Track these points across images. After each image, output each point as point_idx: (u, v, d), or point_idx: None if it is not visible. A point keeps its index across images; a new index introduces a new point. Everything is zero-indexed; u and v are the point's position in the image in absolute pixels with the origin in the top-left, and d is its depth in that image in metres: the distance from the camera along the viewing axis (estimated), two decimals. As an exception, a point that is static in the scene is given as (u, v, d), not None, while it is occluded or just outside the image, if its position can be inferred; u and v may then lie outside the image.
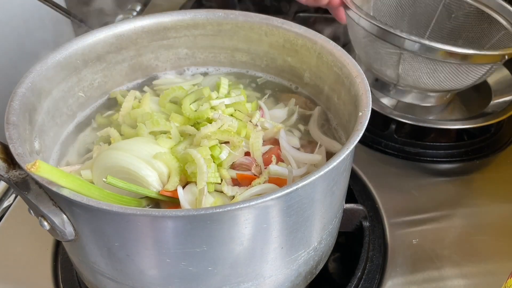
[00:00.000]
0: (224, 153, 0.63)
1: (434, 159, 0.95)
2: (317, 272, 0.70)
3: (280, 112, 0.76)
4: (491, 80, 1.09)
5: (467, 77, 0.91)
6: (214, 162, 0.63)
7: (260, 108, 0.75)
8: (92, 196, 0.51)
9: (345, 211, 0.78)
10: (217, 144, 0.64)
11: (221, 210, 0.48)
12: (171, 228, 0.51)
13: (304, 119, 0.76)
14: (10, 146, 0.54)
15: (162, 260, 0.54)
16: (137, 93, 0.77)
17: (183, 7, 1.43)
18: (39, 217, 0.55)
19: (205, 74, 0.84)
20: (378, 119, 0.98)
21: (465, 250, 0.78)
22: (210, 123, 0.67)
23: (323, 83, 0.76)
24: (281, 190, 0.50)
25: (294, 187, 0.50)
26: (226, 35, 0.80)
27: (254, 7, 1.45)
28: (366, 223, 0.80)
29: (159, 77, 0.83)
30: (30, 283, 0.75)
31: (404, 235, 0.81)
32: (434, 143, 0.97)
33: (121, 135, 0.70)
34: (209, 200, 0.60)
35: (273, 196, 0.49)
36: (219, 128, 0.66)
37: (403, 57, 0.89)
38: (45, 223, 0.55)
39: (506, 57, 0.86)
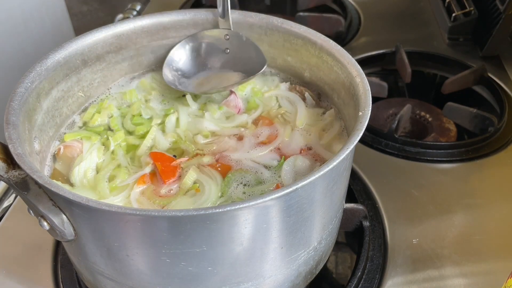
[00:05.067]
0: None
1: (434, 159, 0.95)
2: (317, 272, 0.70)
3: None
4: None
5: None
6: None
7: (232, 92, 0.78)
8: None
9: (345, 211, 0.78)
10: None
11: (220, 210, 0.48)
12: (170, 228, 0.51)
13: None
14: (10, 146, 0.54)
15: (161, 260, 0.54)
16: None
17: (183, 6, 1.43)
18: (39, 217, 0.55)
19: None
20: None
21: (465, 250, 0.78)
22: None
23: (323, 82, 0.76)
24: (281, 190, 0.50)
25: (294, 187, 0.50)
26: (226, 34, 0.80)
27: (254, 6, 1.46)
28: (366, 223, 0.80)
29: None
30: (30, 283, 0.75)
31: (404, 235, 0.81)
32: (434, 143, 0.97)
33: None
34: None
35: (273, 196, 0.49)
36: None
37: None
38: (45, 223, 0.55)
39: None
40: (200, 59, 0.81)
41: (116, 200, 0.62)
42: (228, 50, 0.80)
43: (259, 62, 0.77)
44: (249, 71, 0.78)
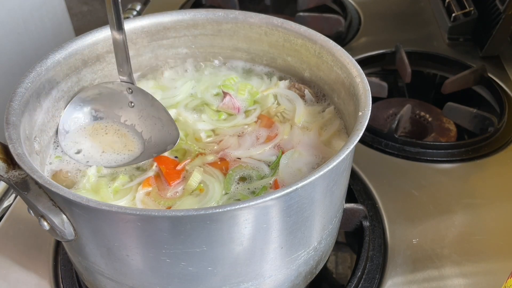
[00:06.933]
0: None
1: (434, 159, 0.95)
2: (317, 272, 0.70)
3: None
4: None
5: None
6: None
7: (226, 94, 0.76)
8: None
9: (345, 211, 0.78)
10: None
11: (221, 210, 0.48)
12: (170, 228, 0.51)
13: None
14: (10, 146, 0.54)
15: (161, 260, 0.54)
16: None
17: (183, 7, 1.43)
18: (39, 217, 0.55)
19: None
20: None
21: (465, 250, 0.78)
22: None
23: (323, 82, 0.76)
24: (281, 190, 0.50)
25: (294, 187, 0.50)
26: (226, 34, 0.80)
27: (254, 6, 1.46)
28: (366, 223, 0.80)
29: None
30: (30, 283, 0.75)
31: (404, 235, 0.81)
32: (434, 143, 0.97)
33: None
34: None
35: (273, 196, 0.49)
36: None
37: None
38: (45, 223, 0.55)
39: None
40: (100, 119, 0.73)
41: (120, 203, 0.62)
42: (133, 104, 0.71)
43: (171, 133, 0.68)
44: (160, 138, 0.69)
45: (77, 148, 0.69)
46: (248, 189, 0.64)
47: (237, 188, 0.64)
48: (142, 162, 0.67)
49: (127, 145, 0.70)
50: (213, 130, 0.73)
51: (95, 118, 0.73)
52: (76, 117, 0.72)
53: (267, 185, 0.64)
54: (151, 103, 0.70)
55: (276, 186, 0.64)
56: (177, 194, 0.63)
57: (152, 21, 0.77)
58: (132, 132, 0.71)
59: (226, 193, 0.63)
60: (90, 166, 0.66)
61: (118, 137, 0.71)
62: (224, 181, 0.64)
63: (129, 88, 0.70)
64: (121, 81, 0.71)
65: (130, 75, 0.69)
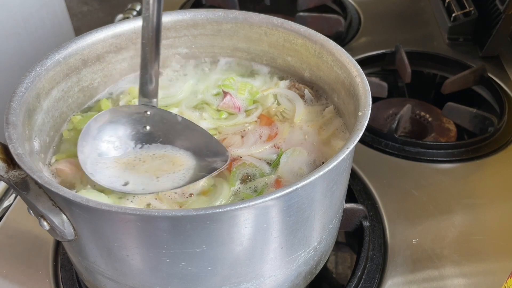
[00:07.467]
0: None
1: (434, 159, 0.95)
2: (317, 272, 0.70)
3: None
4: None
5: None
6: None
7: (226, 94, 0.76)
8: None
9: (345, 211, 0.78)
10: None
11: (220, 210, 0.48)
12: (170, 228, 0.51)
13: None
14: (10, 146, 0.54)
15: (161, 260, 0.54)
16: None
17: (182, 7, 1.44)
18: (39, 217, 0.55)
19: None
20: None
21: (465, 250, 0.78)
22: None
23: (323, 82, 0.76)
24: (281, 190, 0.50)
25: (294, 187, 0.50)
26: (226, 34, 0.80)
27: (254, 6, 1.46)
28: (366, 223, 0.80)
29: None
30: (30, 283, 0.75)
31: (404, 235, 0.81)
32: (434, 143, 0.97)
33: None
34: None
35: (273, 196, 0.49)
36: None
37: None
38: (45, 223, 0.55)
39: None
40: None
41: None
42: (148, 128, 0.67)
43: (217, 151, 0.65)
44: (200, 152, 0.65)
45: (122, 181, 0.62)
46: (250, 187, 0.64)
47: (240, 187, 0.64)
48: (223, 167, 0.63)
49: (175, 162, 0.64)
50: (216, 129, 0.73)
51: (111, 149, 0.65)
52: (95, 151, 0.64)
53: (268, 183, 0.64)
54: (180, 124, 0.66)
55: (277, 184, 0.64)
56: (192, 196, 0.64)
57: (152, 21, 0.77)
58: (169, 149, 0.66)
59: (234, 194, 0.63)
60: (149, 193, 0.61)
61: (160, 159, 0.64)
62: (228, 177, 0.65)
63: (146, 111, 0.66)
64: (142, 104, 0.67)
65: (155, 95, 0.66)
